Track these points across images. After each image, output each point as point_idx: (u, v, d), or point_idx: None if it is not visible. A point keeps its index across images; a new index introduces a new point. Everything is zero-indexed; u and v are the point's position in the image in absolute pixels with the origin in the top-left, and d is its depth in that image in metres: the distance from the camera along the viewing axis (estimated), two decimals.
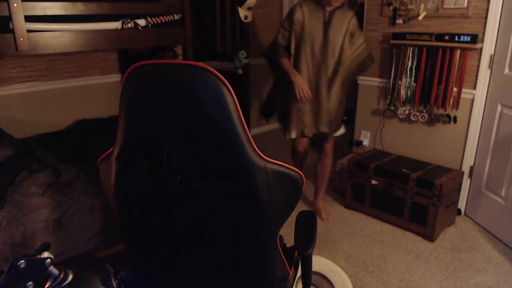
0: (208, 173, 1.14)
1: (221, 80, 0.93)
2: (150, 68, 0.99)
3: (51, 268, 0.60)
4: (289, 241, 1.38)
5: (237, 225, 1.09)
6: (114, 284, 0.66)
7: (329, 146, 2.69)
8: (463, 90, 2.66)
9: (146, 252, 1.23)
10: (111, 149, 1.11)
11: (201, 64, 0.95)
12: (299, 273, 1.37)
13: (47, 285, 0.61)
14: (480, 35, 2.50)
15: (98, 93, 3.15)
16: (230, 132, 0.96)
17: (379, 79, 3.10)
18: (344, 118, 3.93)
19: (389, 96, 2.98)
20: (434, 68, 2.70)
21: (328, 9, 2.39)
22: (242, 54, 2.88)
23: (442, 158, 2.84)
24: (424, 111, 2.83)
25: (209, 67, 0.93)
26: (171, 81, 0.96)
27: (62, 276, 0.62)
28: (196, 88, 0.93)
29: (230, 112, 0.95)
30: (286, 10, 4.47)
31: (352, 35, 2.44)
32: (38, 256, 0.59)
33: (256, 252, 1.14)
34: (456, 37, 2.54)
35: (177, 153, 1.09)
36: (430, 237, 2.54)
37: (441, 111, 2.76)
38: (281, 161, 1.06)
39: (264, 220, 1.07)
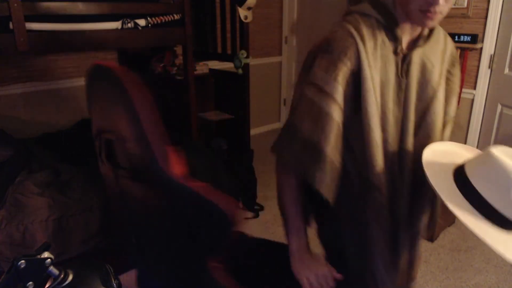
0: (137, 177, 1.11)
1: (117, 76, 0.92)
2: None
3: (51, 268, 0.60)
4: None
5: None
6: (114, 284, 0.65)
7: None
8: (463, 90, 2.66)
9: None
10: None
11: (100, 62, 0.95)
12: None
13: (47, 285, 0.61)
14: (480, 35, 2.50)
15: None
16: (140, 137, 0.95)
17: None
18: None
19: None
20: None
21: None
22: (242, 54, 2.88)
23: None
24: None
25: (107, 63, 0.93)
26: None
27: (62, 276, 0.62)
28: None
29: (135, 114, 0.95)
30: (286, 10, 4.46)
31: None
32: (38, 256, 0.59)
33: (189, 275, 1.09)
34: (456, 37, 2.54)
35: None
36: (430, 237, 2.54)
37: None
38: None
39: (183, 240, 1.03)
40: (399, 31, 0.98)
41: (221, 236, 1.02)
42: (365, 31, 0.97)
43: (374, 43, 0.98)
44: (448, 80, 1.12)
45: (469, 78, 2.63)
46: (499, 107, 2.53)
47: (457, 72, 1.13)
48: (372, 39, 0.97)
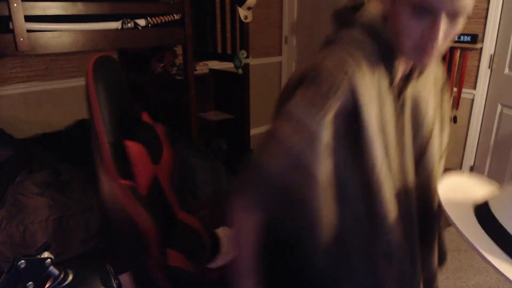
0: None
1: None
2: None
3: (51, 268, 0.60)
4: None
5: None
6: (114, 284, 0.66)
7: None
8: (463, 90, 2.66)
9: None
10: None
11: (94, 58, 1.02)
12: None
13: (47, 285, 0.61)
14: (480, 35, 2.50)
15: None
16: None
17: None
18: None
19: None
20: None
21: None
22: (242, 54, 2.88)
23: None
24: None
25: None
26: None
27: (62, 276, 0.62)
28: None
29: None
30: (286, 10, 4.46)
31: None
32: (38, 256, 0.59)
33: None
34: (456, 37, 2.55)
35: None
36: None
37: None
38: None
39: None
40: (396, 63, 0.83)
41: (138, 250, 1.04)
42: (362, 61, 0.79)
43: (372, 75, 0.80)
44: (440, 109, 1.00)
45: (469, 78, 2.63)
46: (499, 107, 2.53)
47: (447, 98, 1.02)
48: (370, 71, 0.80)
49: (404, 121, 0.88)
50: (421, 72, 0.88)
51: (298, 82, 0.82)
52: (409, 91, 0.88)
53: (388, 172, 0.82)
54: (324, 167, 0.78)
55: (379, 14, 0.83)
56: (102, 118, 1.05)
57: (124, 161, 1.10)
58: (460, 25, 0.76)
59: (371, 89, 0.80)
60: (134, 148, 1.11)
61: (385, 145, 0.82)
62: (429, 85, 0.94)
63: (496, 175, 2.59)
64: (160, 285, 1.08)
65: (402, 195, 0.87)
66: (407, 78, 0.87)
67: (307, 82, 0.80)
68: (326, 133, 0.77)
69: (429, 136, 0.93)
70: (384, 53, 0.82)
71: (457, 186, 0.89)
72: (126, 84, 1.33)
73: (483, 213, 0.79)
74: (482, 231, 0.76)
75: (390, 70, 0.83)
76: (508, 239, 0.73)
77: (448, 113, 1.02)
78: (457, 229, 0.77)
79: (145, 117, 1.34)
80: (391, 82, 0.84)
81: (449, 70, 2.63)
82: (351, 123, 0.78)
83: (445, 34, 0.74)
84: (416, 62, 0.82)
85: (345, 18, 0.86)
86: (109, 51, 3.12)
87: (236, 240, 0.88)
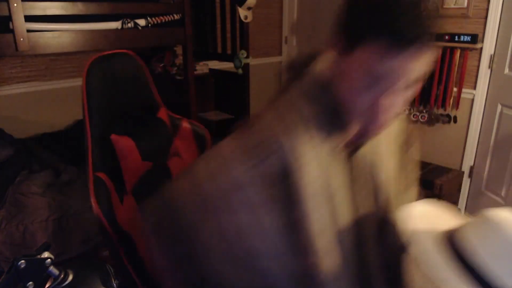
0: None
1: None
2: None
3: (51, 268, 0.60)
4: None
5: None
6: (114, 284, 0.66)
7: None
8: (463, 90, 2.66)
9: None
10: None
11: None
12: None
13: (47, 285, 0.61)
14: (480, 35, 2.50)
15: None
16: None
17: None
18: None
19: None
20: (434, 68, 2.70)
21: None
22: (242, 54, 2.88)
23: (442, 158, 2.84)
24: (424, 111, 2.83)
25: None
26: None
27: (62, 276, 0.62)
28: None
29: None
30: (286, 10, 4.46)
31: None
32: (38, 256, 0.59)
33: None
34: (456, 37, 2.54)
35: None
36: None
37: (441, 111, 2.76)
38: None
39: None
40: (345, 124, 0.72)
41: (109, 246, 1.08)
42: (305, 120, 0.71)
43: (315, 136, 0.71)
44: (404, 169, 0.89)
45: (469, 78, 2.63)
46: (499, 107, 2.53)
47: (414, 152, 0.91)
48: (313, 131, 0.71)
49: (359, 183, 0.77)
50: (375, 133, 0.75)
51: (240, 125, 0.76)
52: (364, 150, 0.78)
53: (334, 244, 0.71)
54: (236, 225, 0.68)
55: (329, 71, 0.73)
56: (89, 114, 1.11)
57: (113, 156, 1.13)
58: (417, 88, 0.68)
59: (311, 150, 0.70)
60: (120, 142, 1.13)
61: (332, 212, 0.71)
62: (388, 140, 0.83)
63: (496, 175, 2.59)
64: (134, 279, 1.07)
65: (357, 266, 0.76)
66: (360, 137, 0.74)
67: (244, 126, 0.75)
68: (252, 189, 0.68)
69: (389, 200, 0.82)
70: (332, 112, 0.72)
71: (424, 216, 0.81)
72: (145, 81, 1.34)
73: (450, 244, 0.71)
74: (451, 265, 0.69)
75: (338, 130, 0.73)
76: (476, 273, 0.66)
77: (415, 169, 0.92)
78: (425, 265, 0.70)
79: (162, 114, 1.35)
80: (340, 142, 0.74)
81: (449, 70, 2.63)
82: (284, 188, 0.68)
83: (400, 102, 0.67)
84: (367, 127, 0.70)
85: (296, 71, 0.79)
86: (109, 51, 3.12)
87: (161, 276, 0.79)
